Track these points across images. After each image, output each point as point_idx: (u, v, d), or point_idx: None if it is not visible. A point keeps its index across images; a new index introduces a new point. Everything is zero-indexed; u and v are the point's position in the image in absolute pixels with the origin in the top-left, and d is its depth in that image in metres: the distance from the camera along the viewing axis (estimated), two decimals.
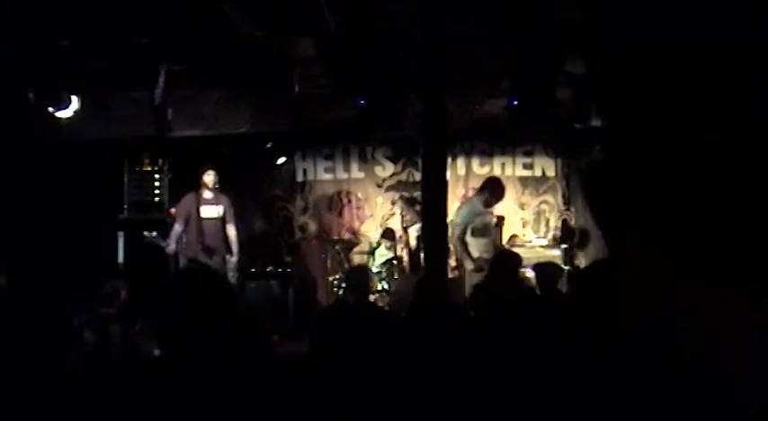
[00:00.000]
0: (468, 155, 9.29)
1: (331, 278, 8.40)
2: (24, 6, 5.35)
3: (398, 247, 8.60)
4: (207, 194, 7.47)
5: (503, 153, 9.32)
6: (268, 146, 8.90)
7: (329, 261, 8.79)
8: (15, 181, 6.88)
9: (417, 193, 7.95)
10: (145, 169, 8.38)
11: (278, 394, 2.21)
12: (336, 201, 9.36)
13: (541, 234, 9.12)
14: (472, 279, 7.48)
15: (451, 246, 7.47)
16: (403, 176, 9.31)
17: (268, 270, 8.28)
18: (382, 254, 8.41)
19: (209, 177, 7.44)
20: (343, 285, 7.72)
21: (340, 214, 9.34)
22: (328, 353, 4.55)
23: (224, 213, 7.54)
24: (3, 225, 6.72)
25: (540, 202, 9.34)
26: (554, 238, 9.03)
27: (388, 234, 8.59)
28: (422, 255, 6.72)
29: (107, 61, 6.59)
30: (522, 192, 9.30)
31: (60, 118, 7.00)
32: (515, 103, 7.20)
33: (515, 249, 7.98)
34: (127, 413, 2.06)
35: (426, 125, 5.95)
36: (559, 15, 5.68)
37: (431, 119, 5.88)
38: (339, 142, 9.28)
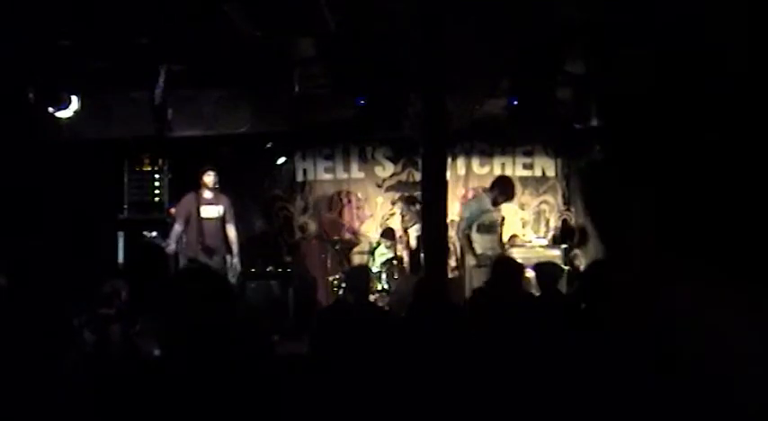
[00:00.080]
0: (468, 155, 9.29)
1: (331, 278, 8.40)
2: (24, 6, 5.35)
3: (398, 247, 8.60)
4: (207, 194, 7.46)
5: (503, 153, 9.32)
6: (268, 146, 8.90)
7: (329, 261, 8.79)
8: (15, 181, 6.87)
9: (417, 193, 7.96)
10: (145, 169, 8.38)
11: (278, 394, 2.21)
12: (336, 201, 9.36)
13: (541, 234, 9.11)
14: (473, 275, 7.52)
15: (451, 246, 7.50)
16: (403, 176, 9.31)
17: (268, 270, 8.27)
18: (382, 254, 8.42)
19: (209, 177, 7.43)
20: (343, 285, 7.73)
21: (340, 214, 9.34)
22: (328, 353, 4.55)
23: (224, 213, 7.53)
24: (3, 225, 6.72)
25: (540, 202, 9.34)
26: (553, 239, 9.03)
27: (387, 234, 8.59)
28: (422, 255, 6.73)
29: (107, 61, 6.60)
30: (522, 192, 9.29)
31: (60, 118, 6.99)
32: (515, 103, 7.20)
33: (515, 249, 8.02)
34: (127, 413, 2.06)
35: (426, 125, 5.96)
36: (559, 15, 5.69)
37: (431, 119, 5.88)
38: (339, 142, 9.28)
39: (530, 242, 8.53)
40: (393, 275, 8.10)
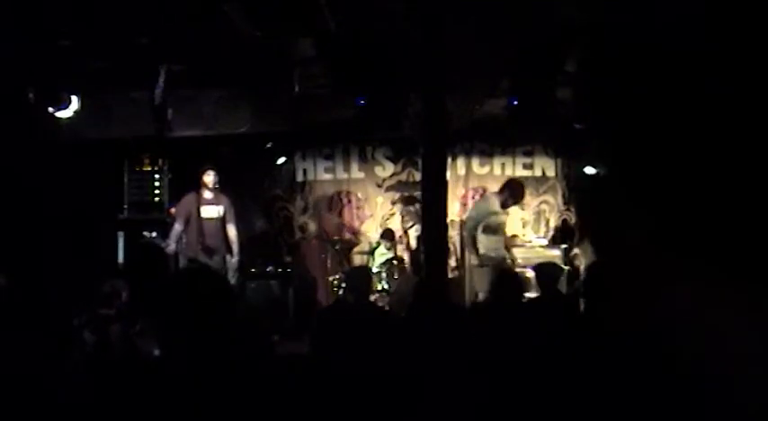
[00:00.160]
0: (468, 155, 9.29)
1: (331, 278, 8.40)
2: (24, 6, 5.35)
3: (399, 248, 8.61)
4: (207, 194, 7.46)
5: (503, 153, 9.32)
6: (268, 146, 8.90)
7: (329, 261, 8.79)
8: (15, 181, 6.87)
9: (417, 193, 7.97)
10: (145, 169, 8.38)
11: (278, 394, 2.21)
12: (336, 201, 9.36)
13: (541, 234, 9.11)
14: (474, 275, 7.54)
15: (451, 246, 7.52)
16: (403, 176, 9.31)
17: (268, 270, 8.28)
18: (382, 254, 8.42)
19: (209, 177, 7.43)
20: (343, 285, 7.74)
21: (340, 214, 9.34)
22: (328, 353, 4.55)
23: (224, 213, 7.53)
24: (3, 225, 6.72)
25: (540, 202, 9.34)
26: (553, 239, 9.03)
27: (387, 235, 8.59)
28: (422, 255, 6.74)
29: (107, 61, 6.60)
30: None
31: (60, 118, 6.99)
32: (515, 102, 7.21)
33: (515, 249, 8.03)
34: (127, 413, 2.06)
35: (426, 125, 5.96)
36: (559, 15, 5.69)
37: (431, 119, 5.88)
38: (339, 142, 9.28)
39: (530, 242, 8.54)
40: (393, 275, 8.11)
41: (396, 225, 8.93)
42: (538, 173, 9.35)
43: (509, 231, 8.70)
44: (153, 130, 7.26)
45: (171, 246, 7.24)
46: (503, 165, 9.33)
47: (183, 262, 7.34)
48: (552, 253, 8.08)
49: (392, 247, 8.48)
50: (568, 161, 9.25)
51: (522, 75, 7.00)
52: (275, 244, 9.18)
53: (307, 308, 8.12)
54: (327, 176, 9.37)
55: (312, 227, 9.30)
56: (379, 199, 9.21)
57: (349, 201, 9.35)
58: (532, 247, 8.28)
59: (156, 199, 8.34)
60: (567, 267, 7.86)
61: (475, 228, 7.48)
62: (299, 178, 9.37)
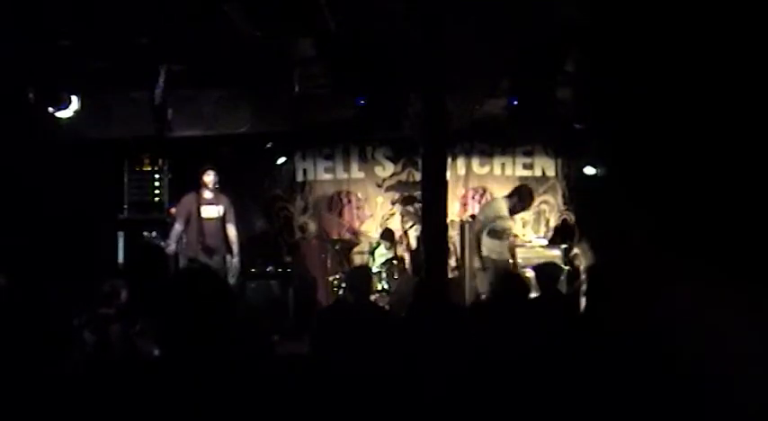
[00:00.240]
0: (468, 155, 9.29)
1: (331, 278, 8.41)
2: (24, 6, 5.35)
3: (399, 248, 8.61)
4: (207, 194, 7.46)
5: (503, 153, 9.32)
6: (268, 146, 8.90)
7: (329, 261, 8.79)
8: (15, 181, 6.87)
9: (417, 193, 7.97)
10: (145, 169, 8.38)
11: (278, 394, 2.21)
12: (336, 201, 9.36)
13: (541, 234, 9.11)
14: (476, 278, 7.56)
15: (451, 246, 7.54)
16: (403, 176, 9.31)
17: (268, 270, 8.28)
18: (382, 254, 8.42)
19: (209, 177, 7.43)
20: (344, 285, 7.74)
21: (340, 214, 9.34)
22: (328, 353, 4.55)
23: (224, 213, 7.53)
24: (3, 225, 6.72)
25: (540, 202, 9.34)
26: (552, 239, 9.03)
27: (387, 234, 8.59)
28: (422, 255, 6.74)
29: (107, 61, 6.60)
30: None
31: (60, 118, 6.99)
32: (515, 102, 7.21)
33: (515, 249, 8.03)
34: (127, 413, 2.06)
35: (426, 125, 5.96)
36: (559, 15, 5.69)
37: (431, 119, 5.89)
38: (339, 142, 9.28)
39: (530, 242, 8.54)
40: (393, 275, 8.11)
41: (396, 225, 8.93)
42: (538, 173, 9.35)
43: None
44: (153, 130, 7.26)
45: (171, 246, 7.24)
46: (503, 165, 9.33)
47: (183, 262, 7.33)
48: (552, 253, 8.08)
49: (392, 247, 8.48)
50: (568, 161, 9.25)
51: (522, 75, 7.01)
52: (275, 244, 9.18)
53: (307, 308, 8.12)
54: (327, 176, 9.37)
55: (312, 227, 9.30)
56: (379, 199, 9.21)
57: (349, 201, 9.35)
58: (532, 247, 8.28)
59: (156, 199, 8.34)
60: (567, 267, 7.87)
61: (481, 231, 7.54)
62: (299, 178, 9.37)
